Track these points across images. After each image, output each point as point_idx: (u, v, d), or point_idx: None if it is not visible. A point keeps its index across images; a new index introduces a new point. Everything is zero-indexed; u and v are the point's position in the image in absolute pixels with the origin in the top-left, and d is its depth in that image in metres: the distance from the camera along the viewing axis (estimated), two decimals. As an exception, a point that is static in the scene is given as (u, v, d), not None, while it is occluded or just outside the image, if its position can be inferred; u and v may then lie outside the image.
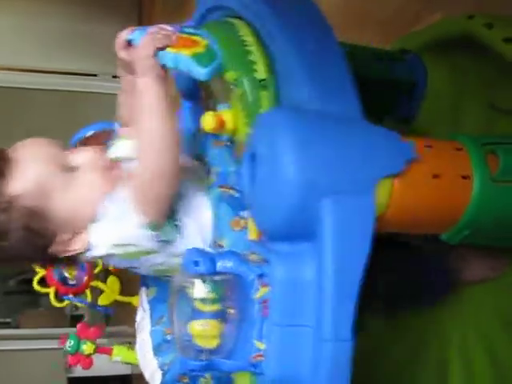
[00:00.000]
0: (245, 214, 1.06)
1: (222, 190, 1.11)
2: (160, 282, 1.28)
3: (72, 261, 1.14)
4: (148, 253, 1.09)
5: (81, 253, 1.11)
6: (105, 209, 1.08)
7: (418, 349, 1.47)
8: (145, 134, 1.01)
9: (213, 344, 0.90)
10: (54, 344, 4.12)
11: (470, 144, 1.00)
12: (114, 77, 4.34)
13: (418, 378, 1.46)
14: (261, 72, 1.01)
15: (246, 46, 1.03)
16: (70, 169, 1.10)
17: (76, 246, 1.10)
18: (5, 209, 1.05)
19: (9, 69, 4.17)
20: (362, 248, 0.86)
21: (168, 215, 1.08)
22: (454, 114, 1.39)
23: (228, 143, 1.13)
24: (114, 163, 1.14)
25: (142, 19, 4.32)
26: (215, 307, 0.89)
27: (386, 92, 1.46)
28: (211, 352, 0.91)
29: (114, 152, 1.18)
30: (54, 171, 1.08)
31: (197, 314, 0.89)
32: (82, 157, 1.11)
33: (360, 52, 1.44)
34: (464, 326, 1.41)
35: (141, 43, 1.02)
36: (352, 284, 0.85)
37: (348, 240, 0.85)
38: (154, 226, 1.06)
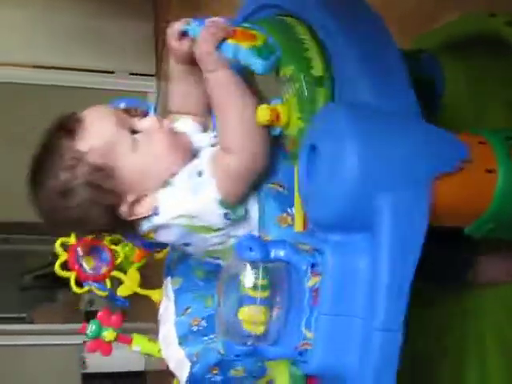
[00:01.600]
0: (292, 210, 1.08)
1: (269, 186, 1.11)
2: (186, 273, 1.30)
3: (134, 228, 1.15)
4: (212, 230, 1.10)
5: (145, 218, 1.11)
6: (178, 177, 1.10)
7: (434, 351, 1.48)
8: (235, 124, 1.04)
9: (260, 330, 0.91)
10: (68, 339, 4.11)
11: (494, 138, 1.01)
12: (132, 74, 4.37)
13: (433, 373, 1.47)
14: (318, 69, 1.03)
15: (303, 43, 1.05)
16: (136, 132, 1.12)
17: (142, 209, 1.10)
18: (73, 165, 1.08)
19: (24, 65, 4.15)
20: (416, 242, 0.88)
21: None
22: (473, 113, 1.40)
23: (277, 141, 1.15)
24: (181, 133, 1.17)
25: (158, 15, 4.32)
26: (265, 294, 0.90)
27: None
28: (258, 338, 0.92)
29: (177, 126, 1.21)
30: (122, 131, 1.11)
31: (246, 300, 0.90)
32: (148, 122, 1.14)
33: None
34: (480, 327, 1.42)
35: (202, 37, 1.03)
36: (406, 276, 0.87)
37: (404, 234, 0.87)
38: (229, 205, 1.07)
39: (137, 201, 1.11)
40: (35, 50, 4.16)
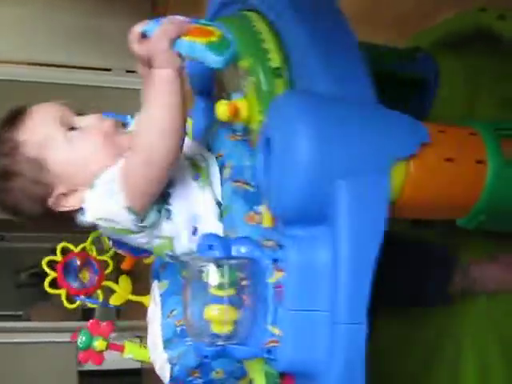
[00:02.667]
0: (259, 208, 1.06)
1: (236, 184, 1.10)
2: (171, 276, 1.29)
3: (73, 222, 1.18)
4: (132, 232, 1.11)
5: (75, 212, 1.15)
6: (100, 179, 1.11)
7: (432, 350, 1.46)
8: (148, 118, 1.03)
9: (227, 329, 0.89)
10: (64, 337, 4.11)
11: (484, 129, 1.00)
12: (128, 71, 4.36)
13: (431, 379, 1.45)
14: (275, 60, 1.01)
15: (259, 35, 1.04)
16: (74, 129, 1.16)
17: (68, 203, 1.15)
18: (8, 153, 1.14)
19: (21, 63, 4.17)
20: (376, 229, 0.86)
21: (155, 201, 1.09)
22: (468, 108, 1.39)
23: (243, 137, 1.13)
24: (123, 136, 1.18)
25: (156, 13, 4.32)
26: (230, 292, 0.88)
27: (397, 90, 1.46)
28: (226, 338, 0.90)
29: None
30: (58, 127, 1.15)
31: (211, 299, 0.88)
32: (88, 120, 1.18)
33: (371, 50, 1.44)
34: (477, 329, 1.40)
35: (155, 34, 1.02)
36: (367, 266, 0.85)
37: (363, 221, 0.86)
38: (135, 212, 1.07)
39: (64, 194, 1.14)
40: (32, 47, 4.17)
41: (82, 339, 1.39)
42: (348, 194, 0.85)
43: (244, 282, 0.90)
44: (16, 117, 1.17)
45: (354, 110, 0.89)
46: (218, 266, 0.89)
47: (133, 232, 1.11)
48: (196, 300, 0.90)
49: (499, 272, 1.39)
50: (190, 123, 1.38)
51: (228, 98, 1.09)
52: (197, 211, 1.13)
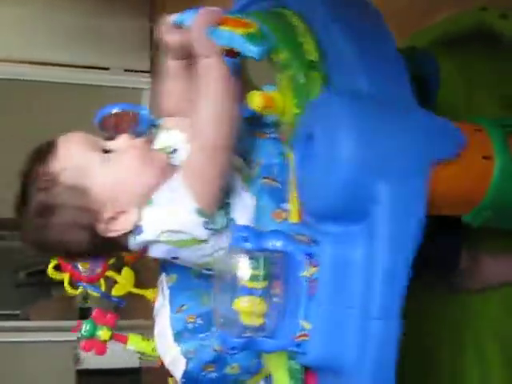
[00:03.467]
0: (286, 205, 1.06)
1: (264, 181, 1.10)
2: (181, 270, 1.27)
3: (122, 246, 1.15)
4: (198, 242, 1.09)
5: (127, 234, 1.12)
6: (157, 194, 1.10)
7: (431, 346, 1.46)
8: (205, 107, 1.03)
9: (257, 322, 0.89)
10: (63, 336, 4.09)
11: (490, 125, 1.01)
12: (126, 70, 4.35)
13: (431, 378, 1.46)
14: (311, 53, 1.01)
15: (294, 29, 1.04)
16: (108, 151, 1.14)
17: (119, 226, 1.11)
18: (47, 187, 1.10)
19: (20, 62, 4.14)
20: (414, 231, 0.86)
21: (220, 205, 1.09)
22: (467, 108, 1.40)
23: (271, 134, 1.13)
24: (155, 151, 1.17)
25: (153, 12, 4.31)
26: (262, 285, 0.88)
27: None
28: (255, 330, 0.89)
29: (160, 143, 1.21)
30: (92, 152, 1.12)
31: (242, 291, 0.87)
32: (119, 141, 1.15)
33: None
34: (478, 326, 1.41)
35: (196, 22, 1.01)
36: (403, 266, 0.85)
37: (401, 222, 0.86)
38: (205, 213, 1.06)
39: (113, 218, 1.11)
40: (31, 46, 4.16)
41: (86, 327, 1.38)
42: (388, 194, 0.85)
43: (276, 276, 0.89)
44: (45, 150, 1.13)
45: (396, 111, 0.90)
46: (251, 257, 0.88)
47: (197, 241, 1.09)
48: (226, 291, 0.89)
49: (502, 266, 1.40)
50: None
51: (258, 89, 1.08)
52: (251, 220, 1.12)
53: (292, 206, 1.03)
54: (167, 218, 1.08)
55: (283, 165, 1.06)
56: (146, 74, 4.39)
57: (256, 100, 1.01)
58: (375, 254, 0.85)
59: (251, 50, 0.99)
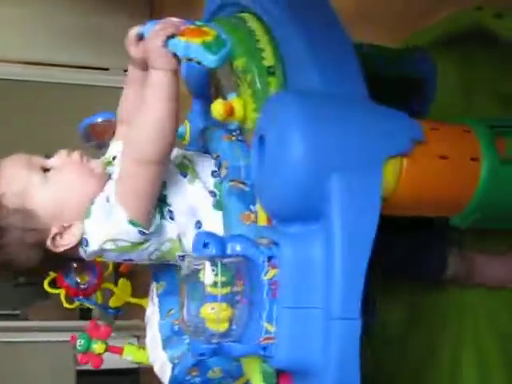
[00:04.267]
0: (255, 207, 1.07)
1: (232, 184, 1.11)
2: (169, 276, 1.30)
3: (76, 260, 1.20)
4: (140, 244, 1.12)
5: (75, 247, 1.15)
6: (94, 205, 1.13)
7: (431, 345, 1.46)
8: (144, 118, 1.04)
9: (224, 327, 0.89)
10: (62, 336, 4.10)
11: (478, 126, 1.00)
12: (126, 71, 4.36)
13: (431, 377, 1.45)
14: (268, 59, 1.02)
15: (253, 34, 1.05)
16: (47, 170, 1.16)
17: (65, 241, 1.14)
18: None
19: (19, 62, 4.16)
20: (369, 225, 0.86)
21: (157, 204, 1.11)
22: (465, 106, 1.40)
23: (238, 137, 1.13)
24: (92, 161, 1.19)
25: (154, 12, 4.32)
26: (225, 290, 0.88)
27: (395, 90, 1.47)
28: (222, 335, 0.90)
29: (108, 152, 1.25)
30: (32, 172, 1.15)
31: (207, 298, 0.88)
32: (57, 158, 1.18)
33: (368, 50, 1.45)
34: (476, 323, 1.40)
35: (150, 34, 1.03)
36: (360, 262, 0.86)
37: (356, 217, 0.86)
38: (139, 223, 1.08)
39: (59, 233, 1.14)
40: (31, 47, 4.16)
41: (80, 342, 1.39)
42: (341, 190, 0.85)
43: (239, 280, 0.90)
44: None
45: (347, 106, 0.90)
46: (213, 264, 0.89)
47: (141, 243, 1.11)
48: (192, 298, 0.90)
49: (500, 268, 1.39)
50: (187, 125, 1.39)
51: (224, 98, 1.09)
52: (193, 204, 1.14)
53: (260, 209, 1.04)
54: (105, 228, 1.10)
55: (251, 167, 1.07)
56: (146, 75, 4.40)
57: (217, 109, 1.02)
58: (332, 253, 0.86)
59: (207, 58, 0.99)
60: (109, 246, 1.11)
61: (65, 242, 1.14)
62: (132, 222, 1.07)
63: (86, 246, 1.13)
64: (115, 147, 1.23)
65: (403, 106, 1.46)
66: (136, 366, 3.81)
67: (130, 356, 1.42)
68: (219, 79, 1.20)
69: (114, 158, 1.21)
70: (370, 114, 0.90)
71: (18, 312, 5.07)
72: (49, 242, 1.13)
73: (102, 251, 1.14)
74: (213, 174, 1.18)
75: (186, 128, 1.38)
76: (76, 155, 1.18)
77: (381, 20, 1.77)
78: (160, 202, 1.12)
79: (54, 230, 1.13)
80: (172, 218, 1.13)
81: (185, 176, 1.16)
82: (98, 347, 1.40)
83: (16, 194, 1.13)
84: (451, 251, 1.36)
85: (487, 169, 0.99)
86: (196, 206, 1.15)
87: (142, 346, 1.40)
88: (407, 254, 1.35)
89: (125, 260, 1.19)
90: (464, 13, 1.36)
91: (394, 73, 1.46)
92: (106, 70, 4.35)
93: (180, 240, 1.14)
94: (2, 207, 1.13)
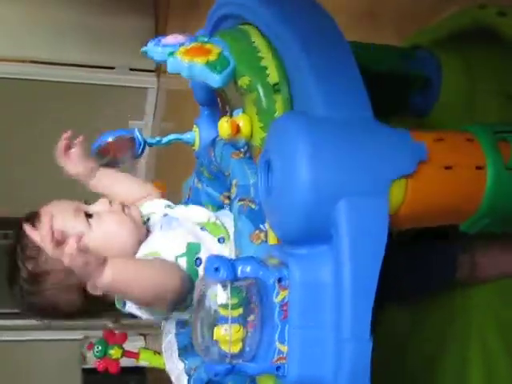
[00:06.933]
0: (265, 226, 1.07)
1: (241, 203, 1.10)
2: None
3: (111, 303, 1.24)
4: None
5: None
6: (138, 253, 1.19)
7: (439, 342, 1.47)
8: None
9: (237, 348, 0.91)
10: (68, 335, 4.14)
11: (481, 133, 1.01)
12: (132, 70, 4.36)
13: (438, 375, 1.47)
14: (273, 76, 1.02)
15: (257, 51, 1.05)
16: (90, 216, 1.22)
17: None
18: (33, 256, 1.19)
19: (25, 61, 4.16)
20: (377, 248, 0.87)
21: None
22: (469, 106, 1.39)
23: (247, 153, 1.14)
24: (131, 208, 1.27)
25: (159, 10, 4.30)
26: (238, 312, 0.90)
27: (399, 89, 1.47)
28: (235, 356, 0.92)
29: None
30: (75, 216, 1.21)
31: (220, 320, 0.90)
32: (98, 205, 1.25)
33: (372, 49, 1.44)
34: (480, 318, 1.41)
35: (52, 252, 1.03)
36: (369, 284, 0.86)
37: (363, 241, 0.86)
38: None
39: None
40: (35, 45, 4.18)
41: (98, 348, 1.42)
42: (348, 215, 0.86)
43: (251, 301, 0.91)
44: (32, 219, 1.20)
45: (353, 131, 0.90)
46: (224, 287, 0.90)
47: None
48: (204, 320, 0.91)
49: (499, 252, 1.40)
50: (196, 131, 1.39)
51: (230, 113, 1.10)
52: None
53: (269, 228, 1.05)
54: None
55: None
56: (152, 74, 4.41)
57: (224, 128, 1.02)
58: (341, 276, 0.87)
59: (212, 78, 1.00)
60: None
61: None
62: None
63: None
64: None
65: (407, 106, 1.48)
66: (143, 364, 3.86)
67: (146, 361, 1.44)
68: (225, 92, 1.20)
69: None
70: (375, 139, 0.90)
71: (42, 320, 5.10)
72: (89, 284, 1.14)
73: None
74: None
75: (194, 134, 1.39)
76: (118, 204, 1.24)
77: (385, 18, 1.76)
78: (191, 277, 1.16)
79: None
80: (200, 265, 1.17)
81: (221, 242, 1.22)
82: (114, 352, 1.43)
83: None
84: (458, 252, 1.37)
85: (492, 176, 0.99)
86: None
87: (157, 351, 1.42)
88: (414, 261, 1.35)
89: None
90: (467, 11, 1.36)
91: (397, 71, 1.46)
92: (112, 68, 4.35)
93: None
94: (44, 252, 1.13)
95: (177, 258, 1.16)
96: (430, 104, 1.46)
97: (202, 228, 1.24)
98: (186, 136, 1.40)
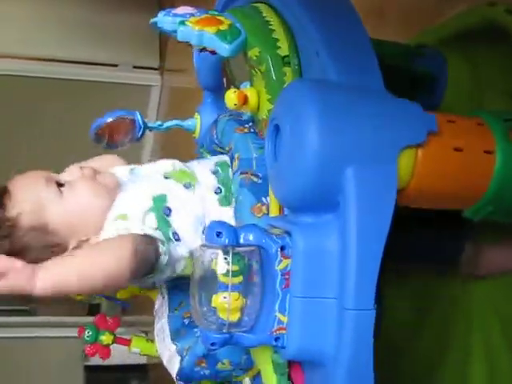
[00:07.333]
0: (267, 200, 1.06)
1: (243, 176, 1.10)
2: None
3: None
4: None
5: None
6: (106, 221, 1.15)
7: (442, 337, 1.46)
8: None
9: (235, 317, 0.89)
10: (71, 332, 4.10)
11: (492, 119, 1.00)
12: (135, 67, 4.37)
13: (441, 369, 1.45)
14: (284, 49, 1.02)
15: (269, 24, 1.04)
16: (62, 185, 1.18)
17: None
18: (7, 234, 1.14)
19: (28, 58, 4.17)
20: (384, 216, 0.85)
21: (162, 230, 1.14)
22: (477, 104, 1.39)
23: (250, 129, 1.13)
24: (104, 174, 1.23)
25: (162, 8, 4.31)
26: (238, 280, 0.88)
27: (405, 87, 1.46)
28: (233, 325, 0.89)
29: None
30: (47, 187, 1.17)
31: (220, 287, 0.88)
32: (69, 173, 1.21)
33: (378, 47, 1.44)
34: (481, 312, 1.40)
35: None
36: (374, 253, 0.85)
37: (371, 209, 0.85)
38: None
39: (77, 247, 1.15)
40: (39, 43, 4.18)
41: (88, 333, 1.39)
42: (356, 181, 0.84)
43: (252, 270, 0.89)
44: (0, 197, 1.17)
45: (363, 98, 0.89)
46: (226, 253, 0.88)
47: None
48: (204, 288, 0.90)
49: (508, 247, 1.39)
50: (198, 119, 1.38)
51: (237, 88, 1.09)
52: (197, 213, 1.17)
53: (272, 200, 1.03)
54: None
55: (263, 159, 1.06)
56: (155, 71, 4.42)
57: (231, 98, 1.01)
58: (347, 244, 0.85)
59: (222, 47, 0.99)
60: None
61: None
62: None
63: None
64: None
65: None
66: (144, 361, 3.83)
67: (137, 348, 1.42)
68: (231, 70, 1.20)
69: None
70: (386, 106, 0.89)
71: (27, 307, 5.09)
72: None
73: None
74: (214, 172, 1.20)
75: (196, 121, 1.38)
76: (88, 169, 1.20)
77: (392, 16, 1.76)
78: (164, 229, 1.13)
79: (72, 244, 1.16)
80: (178, 240, 1.14)
81: (188, 187, 1.19)
82: (105, 338, 1.40)
83: (33, 211, 1.14)
84: (467, 237, 1.35)
85: (501, 161, 0.98)
86: (201, 212, 1.16)
87: (151, 339, 1.40)
88: (421, 241, 1.34)
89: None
90: (476, 9, 1.36)
91: (404, 69, 1.46)
92: (115, 66, 4.36)
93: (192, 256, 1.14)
94: (20, 228, 1.14)
95: (145, 214, 1.14)
96: (436, 103, 1.45)
97: (166, 177, 1.21)
98: (187, 123, 1.40)
